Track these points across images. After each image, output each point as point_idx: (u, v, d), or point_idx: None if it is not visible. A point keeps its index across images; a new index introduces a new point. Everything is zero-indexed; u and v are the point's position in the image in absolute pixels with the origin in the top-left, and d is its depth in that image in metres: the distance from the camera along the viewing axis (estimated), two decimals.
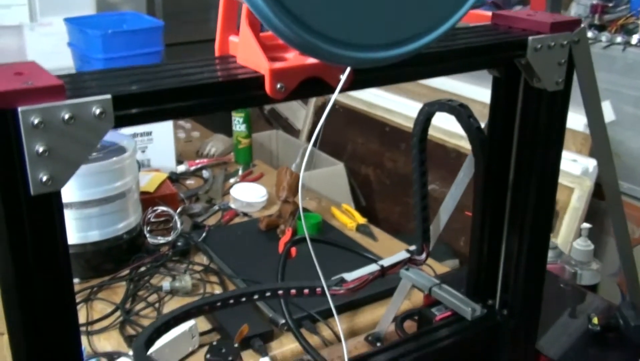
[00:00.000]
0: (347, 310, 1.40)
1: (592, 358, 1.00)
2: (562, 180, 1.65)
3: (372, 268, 1.00)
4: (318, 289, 0.98)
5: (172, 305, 1.45)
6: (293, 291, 1.00)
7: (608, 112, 1.99)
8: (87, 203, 1.52)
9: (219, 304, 0.96)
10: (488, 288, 0.99)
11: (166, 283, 1.50)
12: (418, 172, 1.02)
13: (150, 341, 0.85)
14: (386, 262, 1.02)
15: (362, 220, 1.87)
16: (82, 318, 1.41)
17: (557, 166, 0.95)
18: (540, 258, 0.97)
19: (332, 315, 1.00)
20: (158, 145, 2.10)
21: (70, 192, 1.49)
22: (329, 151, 2.67)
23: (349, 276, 0.98)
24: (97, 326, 1.40)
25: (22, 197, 0.61)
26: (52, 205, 0.63)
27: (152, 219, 1.70)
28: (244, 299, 0.97)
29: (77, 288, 1.52)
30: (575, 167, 1.94)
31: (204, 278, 1.57)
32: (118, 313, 1.43)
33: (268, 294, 0.98)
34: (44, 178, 0.60)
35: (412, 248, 1.05)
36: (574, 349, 1.02)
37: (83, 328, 1.38)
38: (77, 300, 1.48)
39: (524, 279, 0.95)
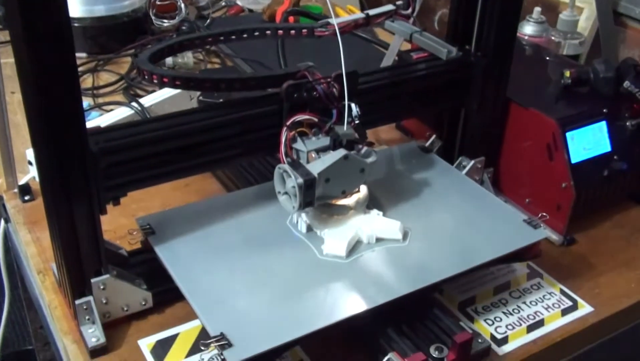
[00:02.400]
0: None
1: (560, 106, 1.06)
2: None
3: (358, 15, 1.04)
4: (304, 30, 1.03)
5: None
6: (280, 31, 1.06)
7: None
8: None
9: (221, 38, 1.01)
10: (466, 36, 1.03)
11: (169, 59, 1.56)
12: None
13: (153, 57, 0.90)
14: (372, 12, 1.06)
15: None
16: (88, 84, 1.49)
17: None
18: (514, 4, 1.00)
19: None
20: None
21: None
22: None
23: (335, 20, 1.02)
24: (102, 91, 1.47)
25: None
26: None
27: (158, 2, 1.73)
28: (233, 37, 1.03)
29: (84, 60, 1.59)
30: None
31: (205, 58, 1.62)
32: (123, 82, 1.50)
33: (257, 34, 1.03)
34: None
35: (399, 2, 1.09)
36: (544, 99, 1.08)
37: (89, 92, 1.45)
38: (84, 70, 1.55)
39: (498, 24, 0.99)
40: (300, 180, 0.82)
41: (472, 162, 1.10)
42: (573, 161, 1.03)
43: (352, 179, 0.88)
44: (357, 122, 0.89)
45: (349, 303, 0.80)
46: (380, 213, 0.92)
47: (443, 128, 1.14)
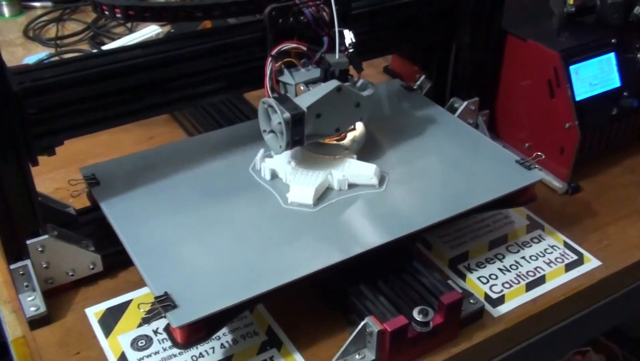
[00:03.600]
0: None
1: (563, 38, 0.94)
2: None
3: None
4: None
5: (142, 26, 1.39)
6: None
7: None
8: None
9: None
10: None
11: None
12: None
13: None
14: None
15: None
16: (52, 34, 1.38)
17: None
18: None
19: None
20: None
21: None
22: None
23: None
24: (67, 41, 1.36)
25: None
26: None
27: None
28: None
29: (49, 9, 1.48)
30: None
31: None
32: (89, 31, 1.39)
33: None
34: None
35: None
36: (544, 30, 0.96)
37: (52, 42, 1.34)
38: (48, 19, 1.44)
39: None
40: (287, 115, 0.71)
41: (465, 103, 0.99)
42: (577, 98, 0.92)
43: (347, 115, 0.78)
44: (351, 50, 0.77)
45: (315, 257, 0.69)
46: (354, 157, 0.81)
47: (433, 67, 1.03)
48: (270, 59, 0.77)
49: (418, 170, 0.82)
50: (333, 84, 0.75)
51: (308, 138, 0.75)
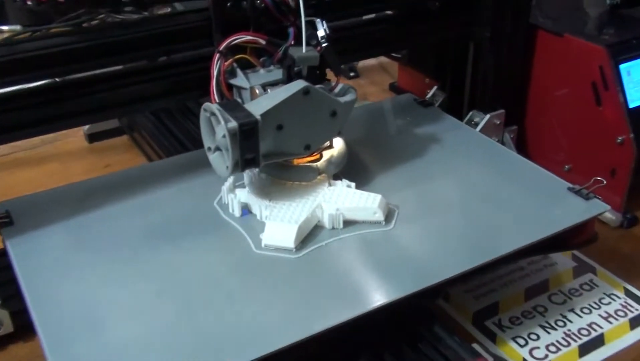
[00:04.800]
0: None
1: (607, 32, 0.76)
2: None
3: None
4: None
5: None
6: None
7: None
8: None
9: None
10: None
11: None
12: None
13: None
14: None
15: None
16: None
17: None
18: None
19: None
20: None
21: None
22: None
23: None
24: None
25: None
26: None
27: None
28: None
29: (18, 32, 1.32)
30: None
31: None
32: None
33: None
34: None
35: None
36: (583, 23, 0.78)
37: None
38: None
39: None
40: (234, 124, 0.53)
41: (487, 117, 0.81)
42: (631, 104, 0.75)
43: (320, 128, 0.60)
44: (324, 45, 0.59)
45: (294, 322, 0.50)
46: (353, 185, 0.62)
47: (446, 74, 0.85)
48: (217, 55, 0.59)
49: (437, 202, 0.64)
50: (298, 85, 0.57)
51: (266, 158, 0.57)
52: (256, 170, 0.61)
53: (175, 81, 0.65)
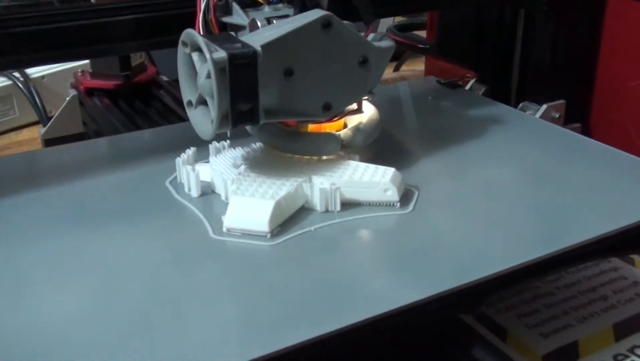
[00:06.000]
0: None
1: None
2: None
3: None
4: None
5: None
6: None
7: None
8: None
9: None
10: None
11: None
12: None
13: None
14: None
15: None
16: None
17: None
18: None
19: None
20: None
21: None
22: None
23: None
24: None
25: None
26: None
27: None
28: None
29: None
30: None
31: None
32: None
33: None
34: None
35: None
36: None
37: None
38: None
39: None
40: (222, 54, 0.37)
41: (544, 107, 0.64)
42: None
43: (345, 81, 0.43)
44: None
45: (264, 335, 0.32)
46: (357, 158, 0.46)
47: (486, 64, 0.69)
48: None
49: (474, 183, 0.46)
50: (316, 13, 0.41)
51: (269, 115, 0.40)
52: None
53: (151, 17, 0.49)
